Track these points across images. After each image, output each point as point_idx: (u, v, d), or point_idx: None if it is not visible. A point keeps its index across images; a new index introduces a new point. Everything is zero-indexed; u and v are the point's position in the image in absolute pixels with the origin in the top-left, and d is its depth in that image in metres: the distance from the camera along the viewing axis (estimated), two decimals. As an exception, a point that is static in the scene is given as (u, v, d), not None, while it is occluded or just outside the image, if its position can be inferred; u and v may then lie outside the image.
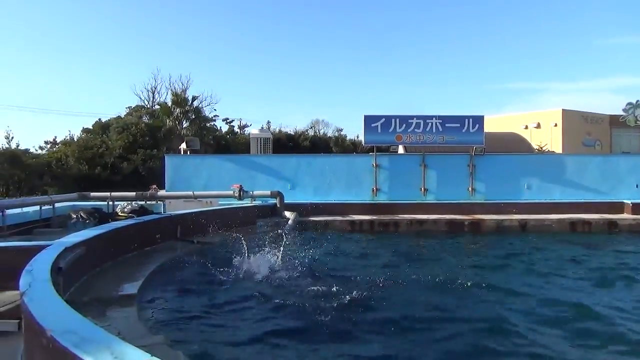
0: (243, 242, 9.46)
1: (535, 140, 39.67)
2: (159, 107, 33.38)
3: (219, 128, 41.66)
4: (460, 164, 16.95)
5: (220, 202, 14.42)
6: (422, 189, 16.67)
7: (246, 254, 9.16)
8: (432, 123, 16.63)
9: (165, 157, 17.47)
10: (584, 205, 15.88)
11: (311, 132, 43.89)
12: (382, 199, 16.45)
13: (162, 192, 15.09)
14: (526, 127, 43.52)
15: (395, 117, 16.63)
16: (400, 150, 25.19)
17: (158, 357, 2.77)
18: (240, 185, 14.16)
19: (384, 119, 16.63)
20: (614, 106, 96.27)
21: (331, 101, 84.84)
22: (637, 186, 16.83)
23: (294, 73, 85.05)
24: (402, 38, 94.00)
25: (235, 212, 13.44)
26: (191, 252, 9.85)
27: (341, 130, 48.16)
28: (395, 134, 16.65)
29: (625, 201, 15.91)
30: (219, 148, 32.01)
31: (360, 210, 15.31)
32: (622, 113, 46.86)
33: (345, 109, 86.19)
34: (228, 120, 46.51)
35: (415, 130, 16.64)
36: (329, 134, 46.31)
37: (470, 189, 16.73)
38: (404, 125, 16.61)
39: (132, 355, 2.74)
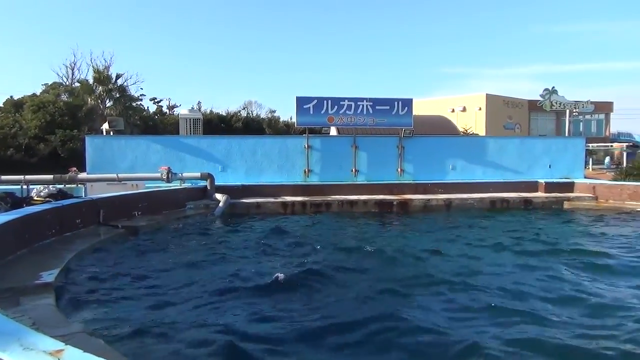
0: (173, 226, 9.21)
1: (461, 123, 41.44)
2: (79, 84, 31.34)
3: (146, 108, 39.90)
4: (389, 145, 17.38)
5: (147, 185, 13.88)
6: (353, 170, 16.96)
7: (173, 239, 8.95)
8: (363, 105, 16.88)
9: (86, 137, 16.51)
10: (503, 184, 16.87)
11: (244, 114, 43.12)
12: (314, 180, 16.56)
13: (82, 175, 14.28)
14: (453, 111, 45.34)
15: (327, 99, 16.70)
16: (333, 131, 25.42)
17: (75, 346, 2.64)
18: (169, 168, 13.70)
19: (316, 101, 16.65)
20: (532, 92, 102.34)
21: (264, 83, 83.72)
22: (549, 166, 18.08)
23: (226, 54, 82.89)
24: (335, 22, 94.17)
25: (163, 195, 13.02)
26: (115, 237, 9.46)
27: (274, 111, 47.73)
28: (327, 115, 16.75)
29: (539, 180, 17.08)
30: (146, 129, 30.69)
31: (293, 192, 15.33)
32: (539, 98, 50.12)
33: (279, 90, 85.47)
34: (156, 100, 44.64)
35: (347, 112, 16.82)
36: (262, 115, 45.77)
37: (399, 169, 17.23)
38: (336, 107, 16.73)
39: (44, 345, 2.60)
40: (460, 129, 36.71)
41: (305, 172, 16.69)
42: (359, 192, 15.78)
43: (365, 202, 15.01)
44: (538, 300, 6.03)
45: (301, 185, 15.98)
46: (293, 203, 14.52)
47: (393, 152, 17.33)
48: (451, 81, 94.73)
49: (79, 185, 13.69)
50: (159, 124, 34.75)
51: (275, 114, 45.37)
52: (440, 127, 28.50)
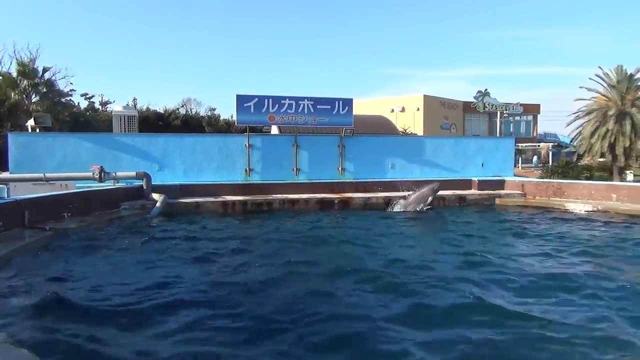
0: (105, 227, 8.79)
1: (400, 123, 42.53)
2: (0, 77, 29.24)
3: (76, 104, 37.94)
4: (330, 144, 17.52)
5: (77, 185, 13.18)
6: (295, 169, 16.94)
7: (105, 241, 8.54)
8: (304, 104, 16.89)
9: (9, 135, 15.44)
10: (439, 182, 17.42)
11: (183, 111, 41.94)
12: (255, 179, 16.40)
13: (5, 175, 13.36)
14: (392, 111, 46.42)
15: (268, 97, 16.57)
16: (275, 130, 25.27)
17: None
18: (101, 167, 13.09)
19: (256, 99, 16.47)
20: (467, 93, 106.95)
21: (204, 81, 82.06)
22: (482, 165, 18.90)
23: (162, 52, 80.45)
24: (278, 23, 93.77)
25: (95, 195, 12.42)
26: (42, 240, 8.91)
27: (214, 109, 46.79)
28: (268, 114, 16.61)
29: (473, 178, 17.83)
30: (76, 126, 29.11)
31: (233, 191, 15.10)
32: (473, 100, 52.44)
33: (219, 88, 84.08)
34: (88, 96, 42.62)
35: (288, 111, 16.77)
36: (202, 113, 44.73)
37: (340, 168, 17.40)
38: (277, 105, 16.63)
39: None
40: (400, 129, 37.66)
41: (246, 171, 16.48)
42: (301, 191, 15.81)
43: (306, 200, 15.04)
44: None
45: (242, 185, 15.77)
46: (234, 202, 14.30)
47: (334, 151, 17.47)
48: (391, 82, 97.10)
49: (1, 185, 12.78)
50: (91, 121, 33.12)
51: (215, 112, 44.49)
52: (380, 127, 29.08)
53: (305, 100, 16.97)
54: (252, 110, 16.34)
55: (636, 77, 30.53)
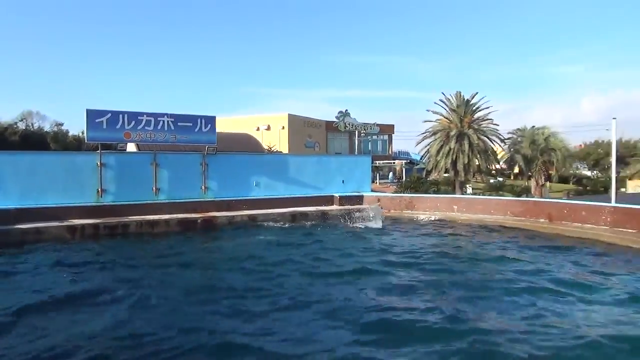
0: None
1: (266, 141, 42.92)
2: None
3: None
4: (193, 162, 16.93)
5: None
6: (154, 188, 16.00)
7: None
8: (163, 121, 16.09)
9: None
10: (303, 199, 17.87)
11: (22, 126, 37.39)
12: (108, 200, 15.11)
13: None
14: (258, 129, 46.68)
15: (123, 113, 15.48)
16: (132, 148, 23.75)
17: None
18: None
19: (110, 115, 15.28)
20: (330, 113, 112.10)
21: (50, 92, 74.42)
22: (343, 182, 19.77)
23: None
24: (138, 37, 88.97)
25: None
26: None
27: (62, 124, 42.46)
28: (123, 130, 15.49)
29: (334, 194, 18.55)
30: None
31: (82, 214, 13.77)
32: (335, 120, 55.16)
33: (69, 101, 76.89)
34: None
35: (146, 127, 15.83)
36: (46, 128, 40.34)
37: (203, 187, 16.86)
38: (133, 122, 15.60)
39: None
40: (266, 147, 37.95)
41: (98, 192, 15.11)
42: (161, 211, 14.99)
43: (167, 221, 14.29)
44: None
45: (93, 207, 14.43)
46: (83, 226, 13.01)
47: (196, 170, 16.90)
48: (257, 101, 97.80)
49: None
50: None
51: (63, 128, 40.43)
52: (245, 145, 29.00)
53: (165, 116, 16.20)
54: (104, 126, 15.10)
55: (472, 102, 34.74)
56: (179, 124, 16.34)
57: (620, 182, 49.89)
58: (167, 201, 15.81)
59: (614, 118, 15.46)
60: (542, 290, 7.37)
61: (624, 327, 5.76)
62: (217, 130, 17.32)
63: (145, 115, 15.82)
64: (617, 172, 40.79)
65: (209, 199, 16.58)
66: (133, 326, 5.77)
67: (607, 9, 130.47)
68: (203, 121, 16.78)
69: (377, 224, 15.04)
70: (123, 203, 15.03)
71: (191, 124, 16.59)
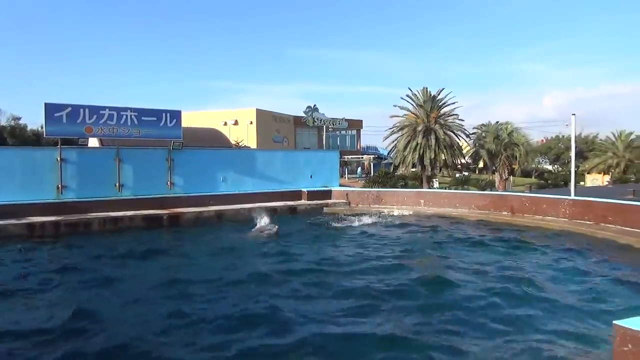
0: None
1: (234, 136, 42.52)
2: None
3: None
4: (158, 158, 16.59)
5: None
6: (118, 184, 15.61)
7: None
8: (127, 115, 15.69)
9: None
10: (271, 194, 17.76)
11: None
12: (69, 197, 14.65)
13: None
14: (225, 124, 46.17)
15: (84, 107, 15.01)
16: (95, 143, 23.10)
17: None
18: None
19: (70, 109, 14.79)
20: (298, 108, 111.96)
21: (5, 85, 71.60)
22: (311, 176, 19.75)
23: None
24: (97, 29, 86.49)
25: None
26: None
27: (19, 119, 40.83)
28: (84, 125, 15.02)
29: (303, 189, 18.52)
30: None
31: (42, 211, 13.31)
32: (303, 115, 55.06)
33: (26, 95, 74.17)
34: None
35: (109, 122, 15.40)
36: (3, 122, 38.77)
37: (169, 183, 16.54)
38: (95, 116, 15.16)
39: None
40: (233, 142, 37.60)
41: (58, 188, 14.63)
42: (125, 208, 14.62)
43: (131, 218, 13.97)
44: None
45: (53, 204, 13.97)
46: (43, 224, 12.58)
47: (162, 165, 16.56)
48: (224, 95, 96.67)
49: None
50: None
51: (20, 122, 38.92)
52: (213, 140, 28.63)
53: (129, 111, 15.81)
54: (64, 120, 14.62)
55: (438, 97, 35.27)
56: (143, 118, 15.98)
57: (580, 176, 51.82)
58: (131, 197, 15.45)
59: (573, 114, 15.92)
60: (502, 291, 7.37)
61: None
62: (184, 125, 17.04)
63: (107, 110, 15.40)
64: (577, 167, 42.28)
65: (176, 195, 16.29)
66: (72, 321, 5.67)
67: (570, 8, 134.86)
68: (168, 115, 16.46)
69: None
70: (85, 200, 14.61)
71: (156, 119, 16.24)
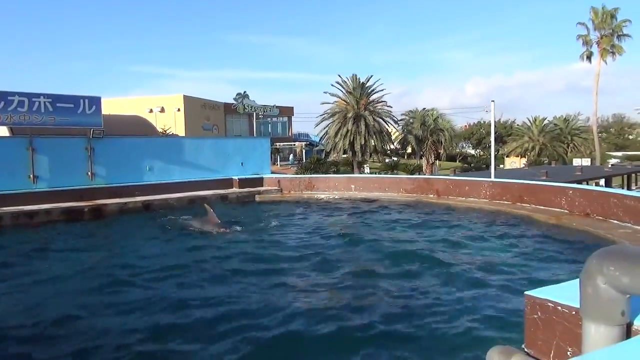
0: None
1: (161, 123, 40.95)
2: None
3: None
4: (76, 147, 15.58)
5: None
6: (31, 176, 14.53)
7: None
8: (39, 102, 14.58)
9: None
10: (201, 183, 17.32)
11: None
12: (-24, 191, 13.48)
13: None
14: (151, 111, 44.35)
15: (-10, 92, 13.80)
16: (5, 132, 21.35)
17: None
18: None
19: (-27, 94, 13.55)
20: (228, 95, 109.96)
21: None
22: (242, 164, 19.45)
23: None
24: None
25: None
26: None
27: None
28: (-9, 112, 13.83)
29: (233, 177, 18.22)
30: None
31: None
32: (233, 102, 53.93)
33: None
34: None
35: (19, 109, 14.24)
36: None
37: (89, 173, 15.61)
38: (3, 103, 13.95)
39: None
40: (160, 130, 36.23)
41: (-38, 182, 13.41)
42: (40, 201, 13.66)
43: (48, 211, 13.09)
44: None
45: (-45, 199, 12.80)
46: (-56, 221, 11.50)
47: (81, 155, 15.59)
48: (148, 81, 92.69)
49: None
50: None
51: None
52: (137, 128, 27.39)
53: (42, 97, 14.69)
54: (-33, 107, 13.37)
55: (367, 85, 35.90)
56: (58, 105, 14.93)
57: (499, 159, 54.99)
58: (47, 189, 14.46)
59: (492, 100, 16.84)
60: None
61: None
62: (105, 112, 16.14)
63: (17, 96, 14.22)
64: (496, 150, 44.82)
65: (97, 186, 15.44)
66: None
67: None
68: (86, 102, 15.48)
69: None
70: (-6, 193, 13.50)
71: (72, 105, 15.23)
